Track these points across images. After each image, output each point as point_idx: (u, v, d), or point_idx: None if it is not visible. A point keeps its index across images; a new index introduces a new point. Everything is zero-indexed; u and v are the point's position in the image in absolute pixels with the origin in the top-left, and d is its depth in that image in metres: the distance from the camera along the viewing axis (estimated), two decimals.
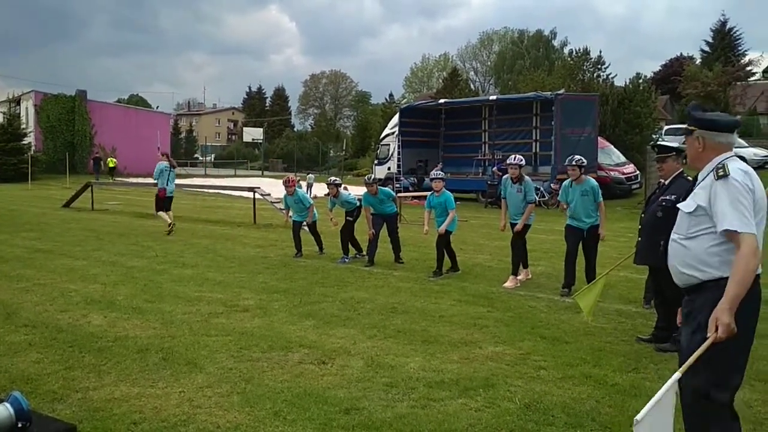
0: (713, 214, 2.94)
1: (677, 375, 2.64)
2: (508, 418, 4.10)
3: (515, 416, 4.14)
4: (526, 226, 8.78)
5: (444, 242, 9.23)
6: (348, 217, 10.78)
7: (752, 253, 2.80)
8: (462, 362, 5.26)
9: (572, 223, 8.20)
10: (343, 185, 11.33)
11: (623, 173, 24.80)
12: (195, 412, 4.15)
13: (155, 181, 14.34)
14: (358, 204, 10.73)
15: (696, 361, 2.80)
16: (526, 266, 9.09)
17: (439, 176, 9.51)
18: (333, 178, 11.44)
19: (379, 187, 10.37)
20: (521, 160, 8.76)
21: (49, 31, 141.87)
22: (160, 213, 14.31)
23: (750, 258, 2.79)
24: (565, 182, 8.35)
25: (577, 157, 8.21)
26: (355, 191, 13.67)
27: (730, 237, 2.88)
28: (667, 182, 6.05)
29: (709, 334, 2.78)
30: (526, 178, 8.81)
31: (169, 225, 13.86)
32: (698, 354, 2.77)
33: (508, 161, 8.96)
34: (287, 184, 11.19)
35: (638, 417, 2.31)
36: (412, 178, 27.00)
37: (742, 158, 3.22)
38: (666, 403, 2.56)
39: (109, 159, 40.43)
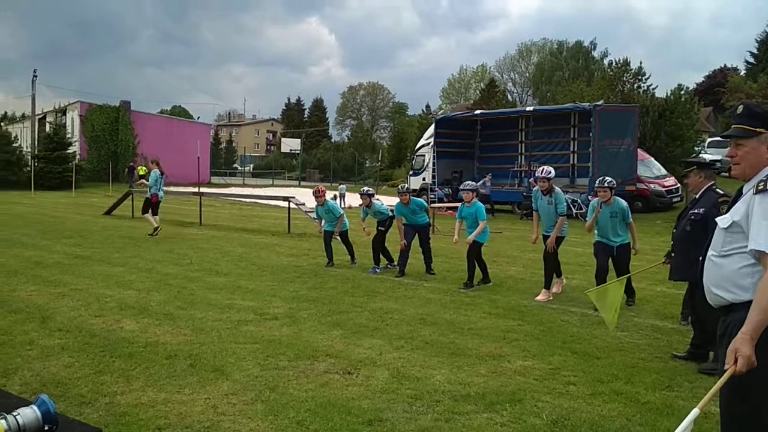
0: (748, 231, 2.68)
1: (696, 411, 2.44)
2: None
3: None
4: (560, 239, 8.66)
5: (475, 253, 9.15)
6: (380, 227, 10.77)
7: None
8: (489, 376, 5.18)
9: (601, 240, 8.10)
10: (375, 195, 11.34)
11: (663, 186, 24.30)
12: (219, 419, 4.16)
13: (143, 186, 15.58)
14: (390, 214, 10.72)
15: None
16: (559, 276, 8.95)
17: (468, 187, 9.47)
18: (366, 188, 11.47)
19: (411, 197, 10.35)
20: (550, 173, 8.68)
21: (95, 44, 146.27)
22: (147, 215, 15.16)
23: None
24: (593, 201, 8.22)
25: (609, 179, 8.12)
26: (389, 202, 13.69)
27: (758, 258, 2.63)
28: (697, 196, 5.93)
29: (726, 366, 2.54)
30: (557, 189, 8.72)
31: (155, 229, 14.76)
32: (718, 387, 2.55)
33: (537, 174, 8.89)
34: (317, 194, 11.26)
35: None
36: (446, 189, 26.92)
37: None
38: None
39: (139, 167, 41.33)
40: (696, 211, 5.64)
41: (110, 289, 8.51)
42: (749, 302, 2.65)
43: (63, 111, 47.71)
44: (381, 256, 10.72)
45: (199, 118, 72.62)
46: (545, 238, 8.69)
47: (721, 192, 5.72)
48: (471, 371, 5.28)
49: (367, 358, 5.57)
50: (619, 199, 8.13)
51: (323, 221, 11.41)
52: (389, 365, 5.39)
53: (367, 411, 4.34)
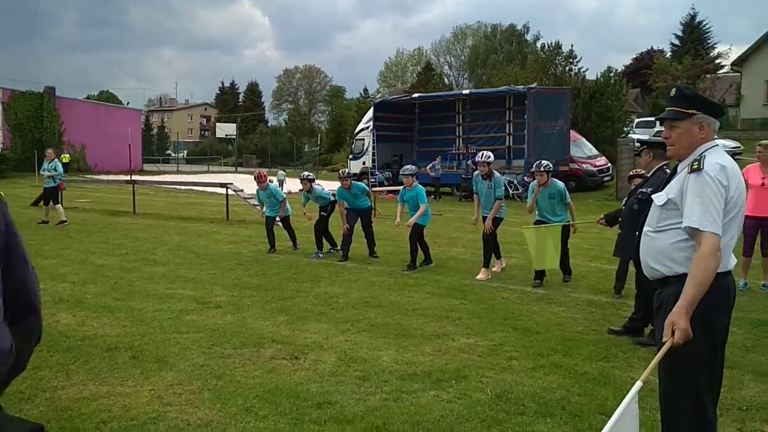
0: (682, 208, 2.82)
1: (639, 383, 2.49)
2: (479, 409, 4.13)
3: (486, 407, 4.17)
4: (498, 220, 8.87)
5: (417, 236, 9.27)
6: (322, 212, 10.74)
7: (711, 254, 2.66)
8: (434, 354, 5.29)
9: (541, 220, 8.39)
10: (315, 180, 11.27)
11: (595, 165, 25.13)
12: (165, 409, 4.10)
13: (51, 176, 14.87)
14: (332, 199, 10.70)
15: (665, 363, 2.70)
16: (498, 257, 9.18)
17: (408, 172, 9.58)
18: (306, 173, 11.40)
19: (353, 181, 10.36)
20: (489, 157, 8.89)
21: (15, 28, 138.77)
22: (58, 206, 14.75)
23: (709, 258, 2.66)
24: (532, 183, 8.54)
25: (545, 162, 8.43)
26: (330, 186, 13.64)
27: (692, 234, 2.77)
28: (648, 175, 6.03)
29: (665, 339, 2.66)
30: (496, 174, 8.96)
31: (64, 220, 14.52)
32: (657, 360, 2.66)
33: (477, 159, 9.10)
34: (259, 179, 11.12)
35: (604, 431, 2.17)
36: (387, 173, 27.03)
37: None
38: (630, 413, 2.41)
39: (62, 155, 39.70)
40: (644, 190, 5.71)
41: (42, 282, 8.14)
42: (683, 275, 2.80)
43: None
44: (324, 241, 10.70)
45: (128, 103, 70.15)
46: (485, 219, 8.88)
47: (669, 172, 5.91)
48: (417, 351, 5.37)
49: (314, 343, 5.58)
50: (557, 180, 8.41)
51: (265, 206, 11.28)
52: (336, 348, 5.42)
53: (316, 394, 4.36)
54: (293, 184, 21.10)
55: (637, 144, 6.42)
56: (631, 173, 7.43)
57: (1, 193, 1.70)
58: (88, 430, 3.77)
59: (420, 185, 9.59)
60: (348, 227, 10.09)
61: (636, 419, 2.48)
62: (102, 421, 3.91)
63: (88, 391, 4.40)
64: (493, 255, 8.92)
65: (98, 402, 4.21)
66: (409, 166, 10.16)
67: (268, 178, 11.45)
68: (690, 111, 2.92)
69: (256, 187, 11.29)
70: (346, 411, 4.08)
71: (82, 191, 25.03)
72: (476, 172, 9.12)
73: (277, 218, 11.12)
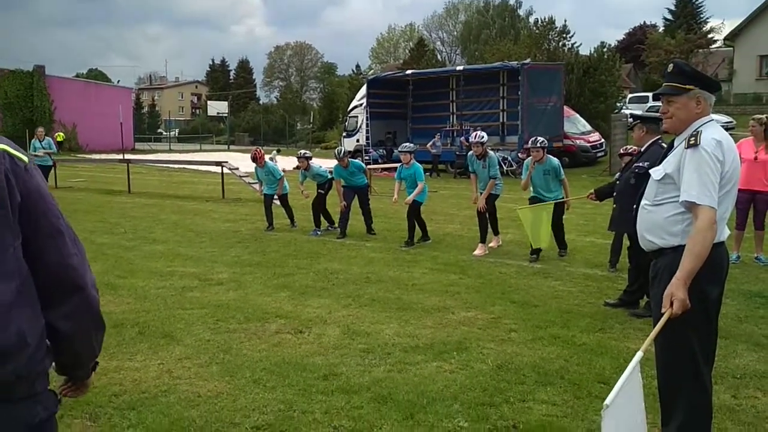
0: (679, 183, 2.90)
1: (640, 354, 2.59)
2: (481, 379, 4.25)
3: (488, 376, 4.29)
4: (494, 197, 8.96)
5: (414, 212, 9.35)
6: (320, 190, 10.79)
7: (708, 227, 2.76)
8: (436, 327, 5.40)
9: (536, 196, 8.47)
10: (311, 158, 11.31)
11: (588, 141, 25.21)
12: (175, 382, 4.21)
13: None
14: (329, 176, 10.75)
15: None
16: (496, 233, 9.29)
17: (406, 149, 9.65)
18: (303, 151, 11.42)
19: (350, 159, 10.41)
20: (483, 137, 8.96)
21: None
22: None
23: (706, 231, 2.75)
24: (527, 160, 8.58)
25: (540, 139, 8.48)
26: (325, 164, 13.67)
27: (689, 208, 2.86)
28: (643, 149, 6.09)
29: (663, 310, 2.76)
30: (491, 153, 9.03)
31: None
32: (657, 331, 2.75)
33: (470, 139, 9.14)
34: (256, 158, 11.15)
35: (607, 401, 2.22)
36: (381, 150, 26.99)
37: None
38: (633, 383, 2.50)
39: (56, 134, 39.35)
40: (640, 164, 5.75)
41: None
42: (678, 247, 2.90)
43: None
44: (322, 219, 10.77)
45: (119, 81, 69.42)
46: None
47: (665, 146, 5.96)
48: (418, 324, 5.49)
49: (317, 317, 5.69)
50: (551, 157, 8.48)
51: (263, 185, 11.32)
52: (339, 322, 5.53)
53: (322, 366, 4.47)
54: (287, 162, 21.05)
55: (630, 119, 6.46)
56: (621, 151, 7.53)
57: (23, 157, 1.51)
58: (102, 402, 3.87)
59: (417, 163, 9.65)
60: (345, 204, 10.16)
61: (640, 388, 2.57)
62: (114, 394, 4.01)
63: (98, 366, 4.48)
64: (490, 230, 9.02)
65: (108, 376, 4.30)
66: (407, 144, 10.22)
67: (265, 156, 11.48)
68: (687, 86, 2.98)
69: (253, 165, 11.31)
70: (352, 382, 4.20)
71: (75, 170, 24.93)
72: (470, 152, 9.16)
73: (275, 196, 11.17)
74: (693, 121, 3.00)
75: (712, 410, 3.13)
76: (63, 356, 1.59)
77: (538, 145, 8.35)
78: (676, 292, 2.72)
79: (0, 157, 1.45)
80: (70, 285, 1.54)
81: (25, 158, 1.51)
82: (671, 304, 2.73)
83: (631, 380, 2.46)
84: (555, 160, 8.46)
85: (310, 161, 10.87)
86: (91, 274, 1.62)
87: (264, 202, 11.19)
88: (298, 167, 11.19)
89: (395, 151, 26.19)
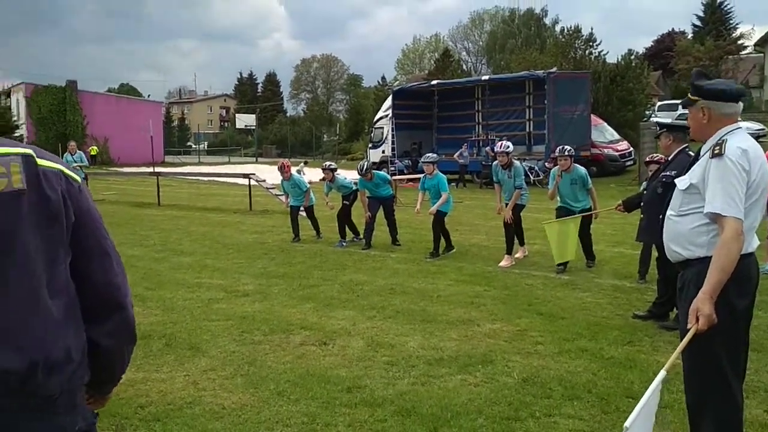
0: (704, 193, 2.84)
1: (663, 373, 2.53)
2: (506, 392, 4.20)
3: (513, 390, 4.24)
4: (520, 207, 8.88)
5: (439, 223, 9.32)
6: (345, 201, 10.83)
7: (734, 238, 2.69)
8: (460, 340, 5.36)
9: (563, 206, 8.40)
10: (337, 170, 11.37)
11: (617, 150, 24.91)
12: (200, 394, 4.24)
13: None
14: (354, 188, 10.78)
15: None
16: (522, 244, 9.20)
17: (429, 159, 9.64)
18: (328, 162, 11.48)
19: (374, 171, 10.42)
20: (508, 147, 8.91)
21: (31, 19, 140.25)
22: None
23: (732, 243, 2.69)
24: (554, 170, 8.53)
25: (568, 147, 8.43)
26: (350, 176, 13.74)
27: (714, 219, 2.80)
28: (670, 158, 5.95)
29: (689, 325, 2.71)
30: (516, 163, 8.98)
31: None
32: (682, 347, 2.70)
33: (495, 149, 9.11)
34: (282, 169, 11.24)
35: (627, 424, 2.16)
36: (406, 161, 27.01)
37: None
38: (652, 402, 2.44)
39: (90, 148, 40.11)
40: (667, 173, 5.59)
41: None
42: (704, 258, 2.84)
43: (7, 93, 45.87)
44: (347, 230, 10.80)
45: (149, 96, 70.76)
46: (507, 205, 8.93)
47: (693, 155, 5.81)
48: (443, 336, 5.45)
49: (342, 329, 5.69)
50: (578, 166, 8.41)
51: (289, 196, 11.40)
52: (363, 334, 5.52)
53: (346, 379, 4.46)
54: (314, 174, 21.18)
55: (657, 127, 6.37)
56: (647, 159, 7.41)
57: (76, 177, 1.57)
58: (128, 414, 3.91)
59: (441, 173, 9.62)
60: (370, 215, 10.18)
61: (656, 407, 2.51)
62: (140, 406, 4.05)
63: (125, 377, 4.50)
64: (516, 241, 8.95)
65: (135, 387, 4.35)
66: (430, 154, 10.21)
67: (292, 168, 11.57)
68: (693, 98, 3.00)
69: (280, 177, 11.41)
70: (376, 395, 4.18)
71: (107, 183, 25.41)
72: (495, 162, 9.11)
73: (302, 207, 11.23)
74: (703, 131, 2.98)
75: (743, 425, 3.05)
76: (98, 371, 1.64)
77: (566, 153, 8.28)
78: (702, 307, 2.66)
79: (57, 178, 1.51)
80: (114, 304, 1.62)
81: (78, 178, 1.58)
82: (697, 320, 2.67)
83: (653, 399, 2.41)
84: (582, 169, 8.37)
85: (336, 173, 10.92)
86: (130, 294, 1.70)
87: (290, 214, 11.27)
88: (323, 179, 11.25)
89: (420, 161, 26.21)
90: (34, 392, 1.43)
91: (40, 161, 1.49)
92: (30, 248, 1.43)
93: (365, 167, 10.19)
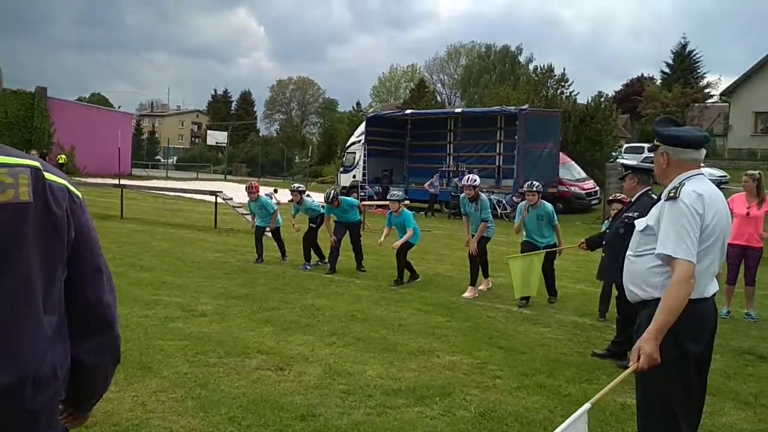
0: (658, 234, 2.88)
1: (587, 405, 2.51)
2: (463, 427, 4.14)
3: (470, 425, 4.18)
4: (486, 239, 8.91)
5: (403, 254, 9.29)
6: (311, 224, 10.75)
7: (683, 281, 2.71)
8: (419, 371, 5.30)
9: (528, 240, 8.45)
10: (306, 192, 11.30)
11: (583, 189, 25.33)
12: (148, 416, 4.08)
13: None
14: (321, 211, 10.72)
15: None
16: (486, 276, 9.21)
17: (395, 198, 9.68)
18: (296, 185, 11.41)
19: (342, 197, 10.37)
20: (475, 180, 8.93)
21: (6, 24, 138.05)
22: None
23: (680, 286, 2.71)
24: (521, 204, 8.60)
25: (536, 183, 8.51)
26: (320, 198, 13.66)
27: (666, 261, 2.83)
28: (633, 199, 6.03)
29: (631, 363, 2.72)
30: (482, 196, 8.99)
31: None
32: (614, 384, 2.71)
33: (462, 182, 9.14)
34: (250, 190, 11.12)
35: None
36: (377, 187, 27.08)
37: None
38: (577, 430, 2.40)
39: (58, 156, 39.32)
40: (630, 214, 5.67)
41: None
42: (658, 299, 2.84)
43: None
44: (312, 253, 10.70)
45: (120, 107, 69.84)
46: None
47: (655, 197, 5.90)
48: (402, 366, 5.38)
49: (299, 355, 5.58)
50: (545, 202, 8.50)
51: (255, 217, 11.27)
52: (321, 361, 5.42)
53: (300, 406, 4.36)
54: (285, 196, 21.03)
55: (622, 168, 6.47)
56: (610, 197, 7.53)
57: (78, 194, 1.57)
58: None
59: (407, 210, 9.66)
60: (335, 239, 10.11)
61: None
62: (84, 427, 3.87)
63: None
64: (481, 273, 8.96)
65: None
66: (395, 192, 10.23)
67: (260, 189, 11.46)
68: (656, 143, 3.09)
69: (248, 197, 11.28)
70: (330, 424, 4.08)
71: None
72: (463, 195, 9.12)
73: (268, 229, 11.10)
74: (670, 175, 3.03)
75: None
76: (80, 388, 1.62)
77: (534, 189, 8.36)
78: (643, 347, 2.68)
79: (62, 194, 1.50)
80: (102, 322, 1.60)
81: (79, 194, 1.58)
82: (639, 359, 2.68)
83: (574, 428, 2.38)
84: (549, 206, 8.46)
85: (304, 195, 10.85)
86: (117, 313, 1.68)
87: (255, 234, 11.12)
88: (291, 200, 11.16)
89: (391, 189, 26.29)
90: (19, 407, 1.41)
91: (47, 175, 1.47)
92: (31, 262, 1.41)
93: (332, 195, 10.09)
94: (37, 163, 1.46)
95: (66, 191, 1.51)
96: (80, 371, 1.57)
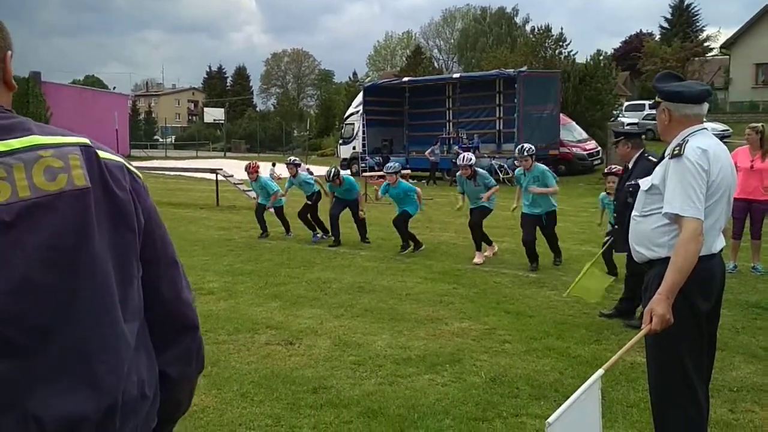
0: (665, 193, 2.84)
1: (600, 371, 2.47)
2: (474, 392, 4.16)
3: (481, 390, 4.21)
4: (487, 212, 8.78)
5: (403, 222, 9.28)
6: (308, 201, 10.62)
7: (692, 239, 2.68)
8: (429, 339, 5.32)
9: (528, 210, 8.15)
10: (307, 167, 11.23)
11: (585, 149, 25.18)
12: None
13: None
14: (317, 188, 10.63)
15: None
16: (489, 243, 9.13)
17: (391, 170, 9.59)
18: (292, 158, 11.33)
19: (344, 176, 10.26)
20: (470, 160, 8.75)
21: None
22: None
23: (689, 244, 2.68)
24: (518, 171, 8.44)
25: (527, 146, 8.27)
26: (319, 172, 13.61)
27: (673, 220, 2.80)
28: (630, 165, 5.94)
29: (643, 325, 2.71)
30: (479, 171, 8.86)
31: None
32: (627, 348, 2.69)
33: (458, 163, 8.94)
34: (249, 170, 11.01)
35: (550, 420, 2.04)
36: (377, 158, 26.95)
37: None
38: (589, 400, 2.35)
39: None
40: (632, 182, 5.63)
41: None
42: (666, 258, 2.82)
43: None
44: (316, 226, 10.65)
45: (115, 88, 69.31)
46: (472, 211, 8.85)
47: (654, 160, 5.76)
48: (411, 335, 5.40)
49: (308, 328, 5.60)
50: (538, 164, 8.26)
51: (259, 195, 11.20)
52: (330, 334, 5.44)
53: (312, 379, 4.38)
54: (284, 169, 20.95)
55: (613, 136, 6.40)
56: (605, 170, 7.41)
57: (138, 172, 1.30)
58: None
59: (403, 181, 9.59)
60: (334, 214, 10.09)
61: (598, 405, 2.45)
62: None
63: None
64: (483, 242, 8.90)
65: None
66: (391, 164, 10.12)
67: (259, 168, 11.36)
68: (657, 99, 3.03)
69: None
70: (342, 395, 4.11)
71: None
72: (458, 173, 8.92)
73: (268, 207, 11.03)
74: (672, 132, 2.98)
75: (707, 425, 3.06)
76: (163, 406, 1.32)
77: (525, 154, 8.13)
78: (655, 308, 2.66)
79: (122, 173, 1.23)
80: (183, 324, 1.33)
81: (139, 173, 1.31)
82: (651, 320, 2.67)
83: (588, 398, 2.35)
84: (542, 166, 8.27)
85: (299, 168, 10.75)
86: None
87: (256, 210, 11.08)
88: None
89: (391, 158, 26.19)
90: None
91: (100, 153, 1.21)
92: (101, 261, 1.14)
93: (333, 173, 10.01)
94: (86, 140, 1.21)
95: (125, 169, 1.25)
96: (164, 386, 1.30)
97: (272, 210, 11.13)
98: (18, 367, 1.06)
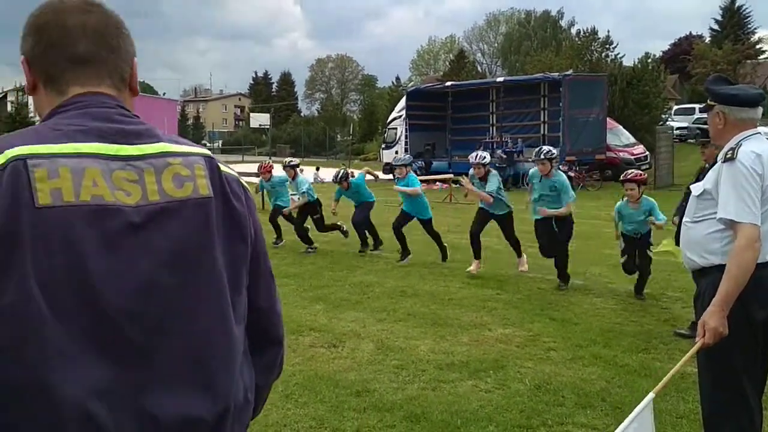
0: (718, 198, 2.77)
1: (651, 395, 2.43)
2: (518, 399, 4.13)
3: (525, 397, 4.16)
4: (499, 216, 8.40)
5: (429, 229, 9.30)
6: (312, 216, 10.35)
7: (748, 246, 2.59)
8: (472, 344, 5.29)
9: (540, 218, 7.55)
10: (299, 167, 11.03)
11: (632, 154, 24.70)
12: None
13: None
14: (315, 196, 10.31)
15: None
16: (519, 255, 8.55)
17: (400, 162, 9.48)
18: (288, 159, 11.26)
19: (351, 178, 10.08)
20: (484, 158, 8.28)
21: None
22: None
23: (745, 252, 2.59)
24: (532, 171, 7.66)
25: (546, 149, 7.57)
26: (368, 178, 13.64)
27: (728, 226, 2.71)
28: (707, 166, 5.83)
29: (697, 339, 2.64)
30: (493, 171, 8.41)
31: None
32: (678, 368, 2.63)
33: (471, 160, 8.46)
34: (261, 170, 10.88)
35: None
36: (420, 162, 26.92)
37: None
38: (643, 423, 2.33)
39: None
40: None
41: None
42: (720, 266, 2.74)
43: (23, 90, 46.33)
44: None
45: (165, 94, 71.25)
46: (482, 211, 8.46)
47: None
48: (454, 340, 5.39)
49: (351, 331, 5.64)
50: (560, 172, 7.61)
51: (271, 197, 11.04)
52: (373, 337, 5.47)
53: (355, 382, 4.41)
54: (326, 174, 21.18)
55: (699, 134, 6.21)
56: (622, 177, 6.63)
57: (248, 187, 1.33)
58: None
59: (413, 174, 9.53)
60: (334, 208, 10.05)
61: (651, 426, 2.41)
62: None
63: None
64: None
65: None
66: (401, 156, 9.97)
67: (272, 168, 11.21)
68: (710, 102, 2.96)
69: (290, 176, 10.83)
70: (385, 399, 4.12)
71: None
72: (471, 171, 8.44)
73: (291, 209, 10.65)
74: (726, 136, 2.91)
75: None
76: None
77: (543, 156, 7.36)
78: (708, 321, 2.59)
79: (238, 187, 1.26)
80: (273, 335, 1.37)
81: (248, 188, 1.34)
82: (704, 334, 2.60)
83: (640, 427, 2.30)
84: (563, 176, 7.47)
85: (298, 170, 10.65)
86: None
87: (270, 216, 10.78)
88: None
89: (434, 163, 26.16)
90: None
91: (221, 166, 1.26)
92: (219, 267, 1.18)
93: (341, 175, 9.90)
94: (208, 152, 1.26)
95: (241, 184, 1.28)
96: None
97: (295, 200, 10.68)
98: (138, 365, 1.08)
